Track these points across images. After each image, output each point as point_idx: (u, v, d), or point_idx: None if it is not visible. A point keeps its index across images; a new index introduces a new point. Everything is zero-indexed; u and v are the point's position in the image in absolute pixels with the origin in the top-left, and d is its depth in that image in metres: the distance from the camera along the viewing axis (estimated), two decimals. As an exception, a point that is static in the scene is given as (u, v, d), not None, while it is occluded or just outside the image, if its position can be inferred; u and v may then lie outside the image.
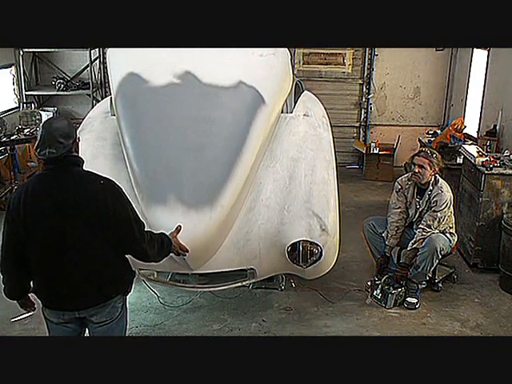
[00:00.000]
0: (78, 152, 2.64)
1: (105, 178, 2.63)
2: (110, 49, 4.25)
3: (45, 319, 2.75)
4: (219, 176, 3.41)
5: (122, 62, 4.01)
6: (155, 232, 2.83)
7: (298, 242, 3.58)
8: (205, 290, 3.97)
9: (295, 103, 4.39)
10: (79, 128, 4.06)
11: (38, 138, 2.53)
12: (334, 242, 3.69)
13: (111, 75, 4.08)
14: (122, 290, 2.74)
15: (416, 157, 4.48)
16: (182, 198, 3.28)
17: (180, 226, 3.12)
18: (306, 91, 4.94)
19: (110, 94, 4.17)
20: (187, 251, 3.10)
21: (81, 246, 2.54)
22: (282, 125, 4.09)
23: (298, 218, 3.63)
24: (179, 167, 3.40)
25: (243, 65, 3.94)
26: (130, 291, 2.81)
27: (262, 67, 3.99)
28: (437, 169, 4.42)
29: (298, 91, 4.62)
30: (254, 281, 3.84)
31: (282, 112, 4.19)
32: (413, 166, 4.48)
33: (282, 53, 4.20)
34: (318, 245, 3.60)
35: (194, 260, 3.35)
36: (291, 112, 4.25)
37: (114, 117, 3.98)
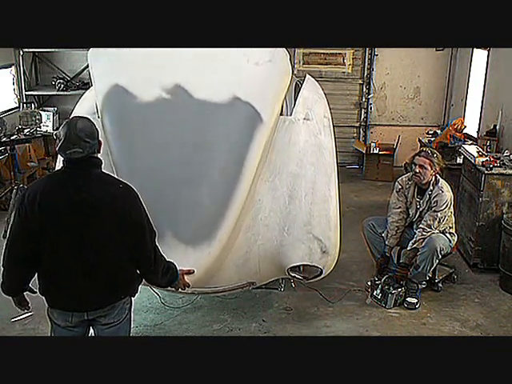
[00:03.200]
0: (99, 153, 2.64)
1: (123, 182, 2.64)
2: (91, 50, 3.84)
3: (50, 321, 2.72)
4: (216, 209, 3.29)
5: (107, 69, 3.72)
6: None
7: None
8: (204, 294, 3.95)
9: (295, 100, 4.12)
10: None
11: (62, 137, 2.49)
12: (334, 257, 3.68)
13: (95, 81, 3.78)
14: (131, 291, 2.73)
15: (417, 157, 4.48)
16: (178, 235, 3.20)
17: (194, 271, 3.11)
18: (308, 77, 4.57)
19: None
20: (188, 286, 3.09)
21: (96, 246, 2.52)
22: (281, 131, 3.80)
23: (298, 241, 3.56)
24: (174, 200, 3.27)
25: (238, 76, 3.62)
26: (137, 292, 2.79)
27: (259, 78, 3.66)
28: (437, 169, 4.42)
29: (297, 91, 4.52)
30: (253, 287, 3.84)
31: (282, 114, 3.89)
32: (413, 166, 4.48)
33: (280, 56, 3.80)
34: (318, 267, 3.62)
35: (193, 287, 3.30)
36: (290, 114, 3.95)
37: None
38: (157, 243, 2.71)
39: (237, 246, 3.48)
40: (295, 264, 3.59)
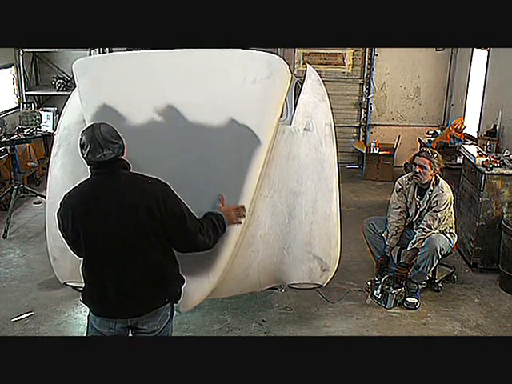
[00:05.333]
0: (123, 155, 2.65)
1: (152, 177, 2.64)
2: (76, 62, 3.48)
3: (89, 327, 2.71)
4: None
5: (94, 85, 3.41)
6: (203, 218, 2.83)
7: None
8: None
9: (295, 102, 3.87)
10: (56, 142, 3.71)
11: (88, 143, 2.50)
12: (334, 269, 3.68)
13: (81, 98, 3.43)
14: (172, 296, 2.72)
15: (417, 157, 4.48)
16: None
17: (222, 196, 3.09)
18: (308, 74, 4.13)
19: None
20: (241, 216, 3.11)
21: (133, 249, 2.53)
22: (280, 142, 3.55)
23: (298, 260, 3.55)
24: None
25: (234, 96, 3.34)
26: (179, 298, 2.78)
27: (256, 97, 3.34)
28: (438, 169, 4.42)
29: (297, 92, 4.41)
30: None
31: (281, 115, 3.60)
32: (414, 166, 4.49)
33: (279, 71, 3.40)
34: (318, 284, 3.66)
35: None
36: (291, 122, 3.67)
37: None
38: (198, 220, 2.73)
39: (236, 262, 3.41)
40: (295, 282, 3.63)
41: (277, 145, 3.54)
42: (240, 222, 3.11)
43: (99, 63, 3.53)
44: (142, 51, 3.81)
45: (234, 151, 3.26)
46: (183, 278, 2.79)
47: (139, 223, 2.50)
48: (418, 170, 4.41)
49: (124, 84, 3.35)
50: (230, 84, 3.35)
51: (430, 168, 4.38)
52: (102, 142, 2.49)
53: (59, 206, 2.62)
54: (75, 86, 3.56)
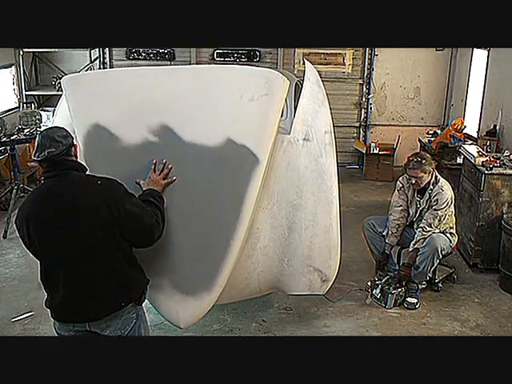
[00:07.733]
0: (76, 157, 2.64)
1: (103, 177, 2.62)
2: (66, 78, 3.33)
3: (56, 332, 2.72)
4: (215, 258, 3.17)
5: (85, 103, 3.25)
6: (145, 203, 2.76)
7: None
8: None
9: (295, 108, 3.65)
10: None
11: (36, 144, 2.54)
12: (334, 278, 3.71)
13: (72, 116, 3.24)
14: (134, 297, 2.66)
15: (408, 169, 4.45)
16: (177, 285, 3.14)
17: (154, 163, 3.07)
18: (308, 69, 3.82)
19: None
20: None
21: (86, 253, 2.51)
22: (279, 152, 3.44)
23: (298, 273, 3.57)
24: (172, 248, 3.12)
25: (231, 115, 3.22)
26: (143, 300, 2.74)
27: (254, 115, 3.23)
28: (431, 168, 4.41)
29: (297, 91, 4.34)
30: None
31: (281, 115, 3.47)
32: (409, 177, 4.49)
33: (277, 86, 3.29)
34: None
35: None
36: (290, 130, 3.52)
37: None
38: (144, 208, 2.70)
39: (236, 273, 3.38)
40: (296, 293, 3.69)
41: (276, 155, 3.44)
42: (170, 183, 3.10)
43: (91, 80, 3.44)
44: (135, 68, 3.75)
45: (232, 171, 3.19)
46: (146, 278, 2.74)
47: (92, 225, 2.49)
48: (414, 181, 4.42)
49: (117, 103, 3.22)
50: (226, 102, 3.23)
51: (423, 174, 4.37)
52: (46, 141, 2.51)
53: (16, 213, 2.63)
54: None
